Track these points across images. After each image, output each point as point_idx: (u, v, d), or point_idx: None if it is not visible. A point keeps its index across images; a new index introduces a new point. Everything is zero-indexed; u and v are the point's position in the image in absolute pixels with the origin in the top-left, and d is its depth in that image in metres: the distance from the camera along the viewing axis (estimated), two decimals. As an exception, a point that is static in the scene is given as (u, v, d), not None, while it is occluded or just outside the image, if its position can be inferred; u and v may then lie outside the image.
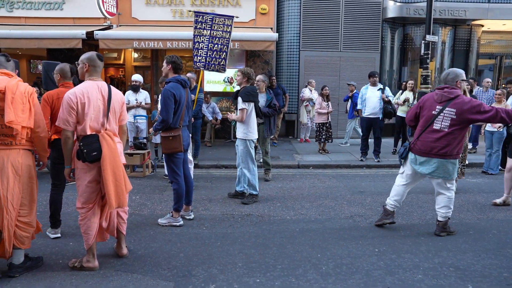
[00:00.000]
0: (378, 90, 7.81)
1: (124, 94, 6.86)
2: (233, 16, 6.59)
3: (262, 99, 6.11)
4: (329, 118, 8.74)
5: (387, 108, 7.82)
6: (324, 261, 3.48)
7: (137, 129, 7.41)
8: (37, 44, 8.80)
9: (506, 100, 6.80)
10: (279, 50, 10.92)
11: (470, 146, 8.48)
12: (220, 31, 6.49)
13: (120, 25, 10.07)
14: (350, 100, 9.52)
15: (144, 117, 7.50)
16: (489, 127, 6.98)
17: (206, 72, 9.16)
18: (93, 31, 8.68)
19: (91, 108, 3.08)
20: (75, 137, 3.15)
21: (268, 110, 6.08)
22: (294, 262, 3.45)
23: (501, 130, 6.77)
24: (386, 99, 7.83)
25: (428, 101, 4.02)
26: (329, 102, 8.79)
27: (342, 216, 4.74)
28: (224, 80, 10.38)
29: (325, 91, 8.80)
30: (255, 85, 5.71)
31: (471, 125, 5.60)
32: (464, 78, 4.04)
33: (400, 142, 8.74)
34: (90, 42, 9.26)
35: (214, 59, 6.54)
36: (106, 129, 3.18)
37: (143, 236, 4.01)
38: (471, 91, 7.94)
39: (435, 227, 4.18)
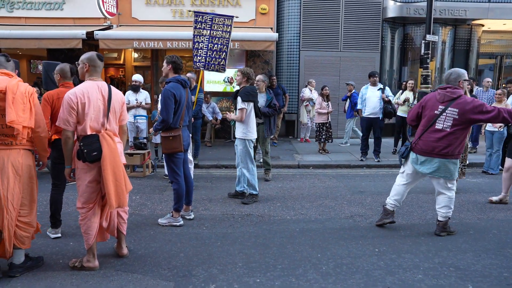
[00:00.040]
0: (378, 90, 7.81)
1: (124, 94, 6.87)
2: (232, 16, 6.60)
3: (262, 99, 6.11)
4: (329, 118, 8.74)
5: (387, 108, 7.83)
6: (324, 261, 3.48)
7: (137, 129, 7.42)
8: (37, 44, 8.81)
9: (507, 99, 6.80)
10: (279, 50, 10.92)
11: (470, 145, 8.47)
12: (220, 31, 6.49)
13: (120, 25, 10.08)
14: (348, 100, 9.52)
15: (144, 117, 7.50)
16: (489, 127, 6.98)
17: (206, 72, 9.17)
18: (93, 31, 8.69)
19: (91, 108, 3.09)
20: (75, 137, 3.16)
21: (268, 110, 6.08)
22: (294, 262, 3.45)
23: (502, 130, 6.77)
24: (386, 99, 7.83)
25: (430, 100, 4.02)
26: (329, 102, 8.79)
27: (342, 216, 4.74)
28: (224, 80, 10.38)
29: (325, 91, 8.80)
30: (255, 85, 5.71)
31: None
32: (467, 78, 4.04)
33: (400, 142, 8.74)
34: (90, 42, 9.26)
35: (214, 59, 6.54)
36: (106, 129, 3.18)
37: (143, 236, 4.01)
38: (471, 91, 7.94)
39: (435, 227, 4.18)
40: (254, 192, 5.24)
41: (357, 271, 3.29)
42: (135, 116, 7.32)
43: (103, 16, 9.29)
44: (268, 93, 6.28)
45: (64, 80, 3.89)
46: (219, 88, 10.46)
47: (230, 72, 9.90)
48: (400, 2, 10.68)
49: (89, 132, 3.09)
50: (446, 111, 3.87)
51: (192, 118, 5.68)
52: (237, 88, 5.41)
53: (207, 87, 10.23)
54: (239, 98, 5.06)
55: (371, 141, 7.99)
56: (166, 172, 5.28)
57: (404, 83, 9.16)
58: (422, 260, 3.51)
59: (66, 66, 3.92)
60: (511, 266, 3.42)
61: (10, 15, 10.04)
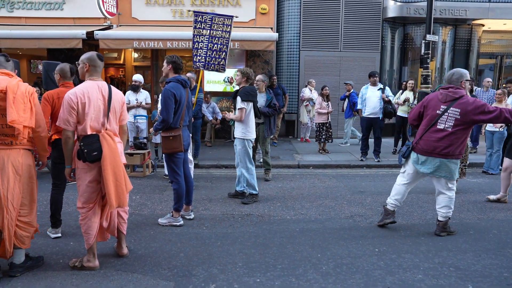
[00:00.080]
0: (378, 90, 7.81)
1: (124, 94, 6.87)
2: (232, 16, 6.59)
3: (262, 99, 6.11)
4: (329, 118, 8.74)
5: (387, 108, 7.83)
6: (324, 261, 3.48)
7: (137, 129, 7.42)
8: (37, 44, 8.81)
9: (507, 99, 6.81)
10: (279, 50, 10.92)
11: (470, 145, 8.47)
12: (220, 30, 6.49)
13: (120, 25, 10.08)
14: (347, 99, 9.52)
15: (145, 117, 7.51)
16: (489, 127, 6.98)
17: (206, 72, 9.18)
18: (93, 31, 8.69)
19: (92, 108, 3.09)
20: (75, 137, 3.16)
21: (268, 110, 6.08)
22: (294, 262, 3.46)
23: (502, 130, 6.77)
24: (386, 99, 7.83)
25: (433, 100, 4.03)
26: (329, 102, 8.79)
27: (342, 216, 4.74)
28: (224, 80, 10.38)
29: (325, 91, 8.80)
30: (254, 85, 5.71)
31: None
32: (469, 78, 4.05)
33: (400, 142, 8.74)
34: (90, 42, 9.27)
35: (213, 59, 6.54)
36: (106, 129, 3.18)
37: (144, 236, 4.02)
38: (471, 91, 7.94)
39: (435, 227, 4.18)
40: (254, 192, 5.25)
41: (357, 271, 3.29)
42: (135, 116, 7.32)
43: (103, 16, 9.29)
44: (268, 93, 6.28)
45: (64, 80, 3.89)
46: (219, 88, 10.47)
47: (230, 72, 9.90)
48: (400, 2, 10.68)
49: (89, 132, 3.09)
50: (448, 111, 3.88)
51: (192, 118, 5.68)
52: (237, 88, 5.41)
53: (207, 87, 10.23)
54: (238, 98, 5.06)
55: (371, 141, 7.99)
56: (166, 172, 5.29)
57: (404, 83, 9.16)
58: (422, 260, 3.52)
59: (66, 66, 3.92)
60: (511, 266, 3.42)
61: (10, 15, 10.04)
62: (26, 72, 12.47)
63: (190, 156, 5.34)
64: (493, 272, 3.31)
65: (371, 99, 7.77)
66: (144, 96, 7.45)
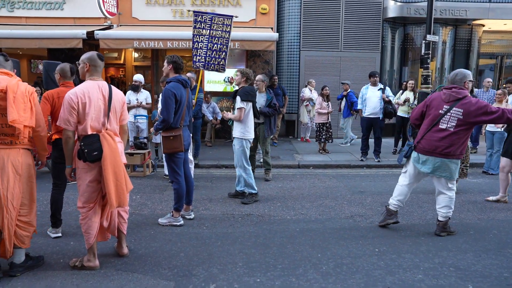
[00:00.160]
0: (378, 90, 7.82)
1: (124, 94, 6.86)
2: (232, 16, 6.59)
3: (262, 99, 6.11)
4: (329, 118, 8.74)
5: (388, 108, 7.83)
6: (325, 261, 3.48)
7: (137, 129, 7.42)
8: (37, 44, 8.81)
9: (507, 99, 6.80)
10: (279, 50, 10.92)
11: (470, 145, 8.47)
12: (220, 30, 6.49)
13: (120, 25, 10.08)
14: (344, 99, 9.53)
15: (145, 117, 7.51)
16: (490, 127, 6.98)
17: (206, 72, 9.18)
18: (93, 31, 8.69)
19: (92, 107, 3.09)
20: (76, 137, 3.16)
21: (269, 110, 6.08)
22: (295, 261, 3.46)
23: (502, 130, 6.76)
24: (386, 99, 7.83)
25: (435, 100, 4.03)
26: (329, 102, 8.79)
27: (343, 216, 4.74)
28: (224, 80, 10.38)
29: (325, 91, 8.80)
30: (254, 85, 5.71)
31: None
32: (471, 79, 4.05)
33: (400, 142, 8.74)
34: (90, 42, 9.27)
35: (213, 58, 6.54)
36: (107, 129, 3.19)
37: (144, 235, 4.02)
38: (471, 92, 7.94)
39: (436, 227, 4.18)
40: (253, 191, 5.24)
41: (357, 271, 3.29)
42: (135, 116, 7.33)
43: (104, 16, 9.29)
44: (268, 93, 6.28)
45: (65, 80, 3.89)
46: (219, 88, 10.46)
47: (230, 72, 9.90)
48: (400, 2, 10.68)
49: (89, 132, 3.09)
50: (451, 111, 3.88)
51: (192, 118, 5.69)
52: (237, 88, 5.42)
53: (207, 87, 10.23)
54: (238, 98, 5.07)
55: (371, 141, 7.99)
56: (166, 172, 5.29)
57: (405, 83, 9.16)
58: (422, 260, 3.52)
59: (66, 65, 3.92)
60: (511, 266, 3.42)
61: (10, 15, 10.04)
62: (26, 72, 12.46)
63: (190, 156, 5.34)
64: (493, 272, 3.31)
65: (371, 99, 7.77)
66: (144, 96, 7.45)
